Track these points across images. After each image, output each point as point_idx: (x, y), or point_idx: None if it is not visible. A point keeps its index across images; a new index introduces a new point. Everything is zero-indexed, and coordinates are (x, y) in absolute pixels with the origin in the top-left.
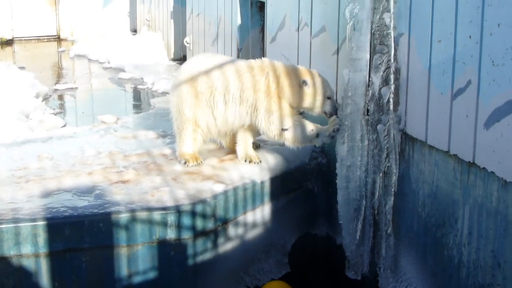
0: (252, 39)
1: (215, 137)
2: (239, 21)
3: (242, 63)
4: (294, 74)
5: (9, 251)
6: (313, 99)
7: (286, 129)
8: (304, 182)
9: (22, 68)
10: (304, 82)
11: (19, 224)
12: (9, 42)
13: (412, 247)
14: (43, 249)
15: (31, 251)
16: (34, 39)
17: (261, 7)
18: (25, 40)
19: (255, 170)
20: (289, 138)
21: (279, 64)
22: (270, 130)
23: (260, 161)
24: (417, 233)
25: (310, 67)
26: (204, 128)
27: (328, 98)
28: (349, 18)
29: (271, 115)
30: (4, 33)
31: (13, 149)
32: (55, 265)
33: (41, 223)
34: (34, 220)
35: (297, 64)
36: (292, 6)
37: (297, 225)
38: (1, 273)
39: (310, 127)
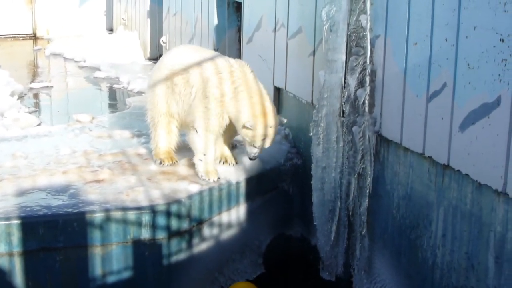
0: (229, 40)
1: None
2: (215, 21)
3: (219, 62)
4: (252, 102)
5: None
6: (244, 137)
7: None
8: (279, 183)
9: None
10: (248, 123)
11: None
12: None
13: (386, 248)
14: (17, 248)
15: (4, 250)
16: (10, 37)
17: (238, 7)
18: (0, 38)
19: (230, 170)
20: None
21: (251, 78)
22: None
23: (236, 163)
24: (391, 234)
25: (286, 68)
26: (178, 119)
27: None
28: (326, 19)
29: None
30: None
31: None
32: (29, 264)
33: (15, 222)
34: (8, 219)
35: (274, 65)
36: (269, 7)
37: (272, 226)
38: None
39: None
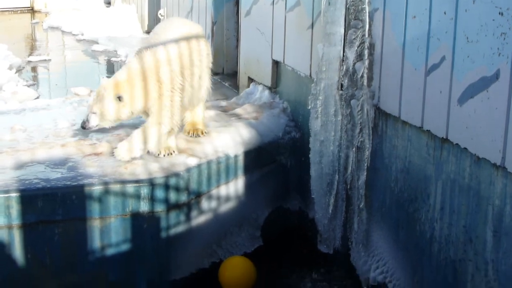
0: (227, 13)
1: None
2: None
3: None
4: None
5: None
6: None
7: None
8: (277, 156)
9: None
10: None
11: None
12: None
13: (384, 222)
14: (15, 221)
15: (3, 223)
16: (8, 11)
17: None
18: None
19: (229, 144)
20: None
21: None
22: None
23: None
24: (389, 208)
25: (284, 42)
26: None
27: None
28: None
29: None
30: None
31: None
32: (28, 237)
33: (14, 194)
34: (6, 191)
35: (272, 39)
36: None
37: (270, 199)
38: None
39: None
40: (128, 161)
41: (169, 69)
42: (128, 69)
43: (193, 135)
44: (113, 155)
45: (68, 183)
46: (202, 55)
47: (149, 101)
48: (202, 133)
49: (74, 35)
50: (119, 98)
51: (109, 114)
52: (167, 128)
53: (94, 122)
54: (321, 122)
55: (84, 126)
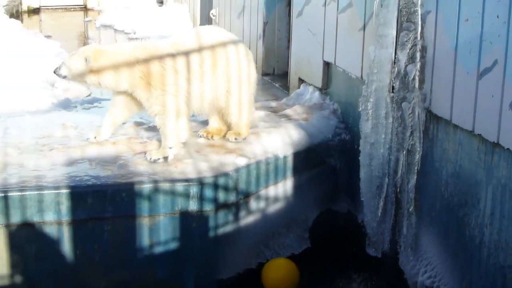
0: (279, 13)
1: None
2: None
3: None
4: None
5: (32, 218)
6: None
7: None
8: (327, 158)
9: (48, 37)
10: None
11: (42, 192)
12: (36, 11)
13: (433, 226)
14: (65, 217)
15: (53, 219)
16: (61, 8)
17: None
18: (51, 9)
19: (278, 144)
20: None
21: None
22: None
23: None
24: (439, 212)
25: (336, 43)
26: None
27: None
28: None
29: None
30: (31, 1)
31: (37, 117)
32: (77, 233)
33: (64, 191)
34: (57, 188)
35: (323, 40)
36: None
37: (319, 201)
38: (24, 239)
39: None
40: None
41: (159, 64)
42: (117, 45)
43: (207, 136)
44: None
45: (118, 180)
46: (232, 65)
47: (125, 84)
48: (212, 137)
49: (126, 33)
50: (86, 60)
51: (73, 69)
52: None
53: (62, 71)
54: (371, 124)
55: (54, 71)
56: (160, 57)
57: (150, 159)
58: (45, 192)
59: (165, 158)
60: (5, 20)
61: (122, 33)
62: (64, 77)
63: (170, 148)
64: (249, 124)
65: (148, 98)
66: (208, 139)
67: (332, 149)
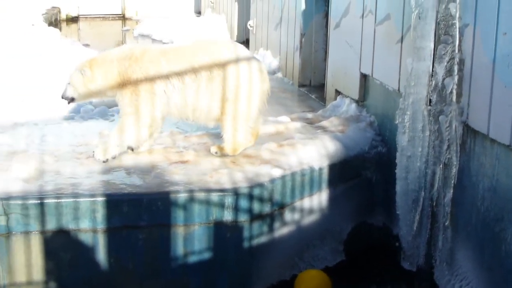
0: (316, 25)
1: None
2: (303, 6)
3: None
4: None
5: (68, 225)
6: None
7: None
8: (362, 171)
9: (86, 45)
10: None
11: (78, 199)
12: (74, 19)
13: (469, 240)
14: (100, 225)
15: (89, 226)
16: (99, 17)
17: None
18: (90, 17)
19: (314, 156)
20: None
21: None
22: None
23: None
24: (475, 226)
25: (373, 55)
26: None
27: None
28: (414, 6)
29: None
30: (70, 10)
31: (75, 125)
32: (112, 241)
33: (100, 199)
34: (93, 195)
35: (360, 52)
36: None
37: (354, 214)
38: (58, 246)
39: None
40: (105, 162)
41: (141, 67)
42: (107, 52)
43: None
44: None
45: (154, 189)
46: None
47: (112, 87)
48: (219, 152)
49: (164, 43)
50: (82, 73)
51: (77, 86)
52: (144, 121)
53: (68, 93)
54: (408, 137)
55: (62, 96)
56: (141, 62)
57: (99, 159)
58: (81, 199)
59: (113, 156)
60: (43, 28)
61: (159, 42)
62: (72, 99)
63: (117, 146)
64: (237, 143)
65: (122, 98)
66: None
67: (368, 161)
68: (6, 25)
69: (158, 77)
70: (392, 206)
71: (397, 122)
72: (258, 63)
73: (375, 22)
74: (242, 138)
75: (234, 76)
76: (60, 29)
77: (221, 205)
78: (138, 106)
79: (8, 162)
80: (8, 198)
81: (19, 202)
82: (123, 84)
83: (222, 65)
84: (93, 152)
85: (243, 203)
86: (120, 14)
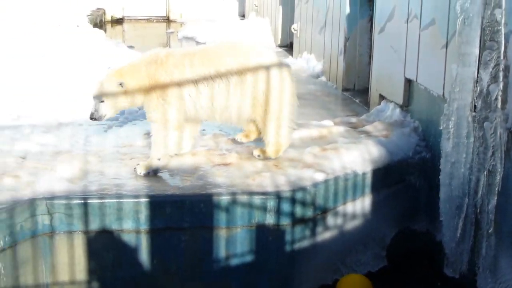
0: (360, 29)
1: None
2: (347, 10)
3: None
4: None
5: (111, 226)
6: None
7: None
8: (406, 176)
9: (131, 47)
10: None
11: (122, 200)
12: (119, 21)
13: None
14: (144, 226)
15: (132, 227)
16: (144, 19)
17: None
18: (134, 19)
19: (357, 160)
20: None
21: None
22: None
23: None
24: None
25: (418, 60)
26: None
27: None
28: (460, 12)
29: None
30: (115, 11)
31: (119, 126)
32: (155, 242)
33: (144, 200)
34: (136, 196)
35: (405, 57)
36: None
37: (397, 219)
38: (101, 246)
39: None
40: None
41: (167, 71)
42: (132, 61)
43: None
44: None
45: (197, 191)
46: (271, 87)
47: (143, 94)
48: (262, 155)
49: None
50: (121, 85)
51: (113, 100)
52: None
53: (103, 111)
54: (452, 143)
55: (94, 117)
56: (166, 66)
57: (140, 172)
58: (125, 200)
59: (155, 171)
60: (88, 29)
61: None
62: (104, 116)
63: (159, 159)
64: (279, 145)
65: (148, 103)
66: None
67: (412, 167)
68: (52, 26)
69: (182, 80)
70: (435, 212)
71: (441, 128)
72: (286, 64)
73: (420, 27)
74: (284, 140)
75: (269, 78)
76: (105, 31)
77: (263, 208)
78: (164, 110)
79: (53, 162)
80: (52, 197)
81: (63, 202)
82: (151, 89)
83: (254, 68)
84: (135, 168)
85: (285, 206)
86: (165, 17)
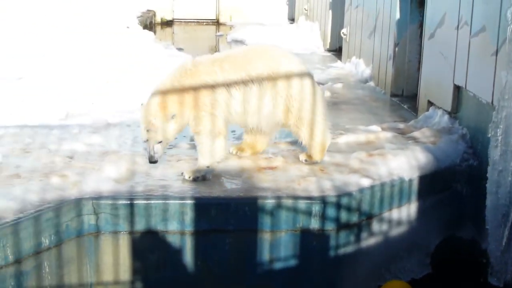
0: (410, 34)
1: None
2: (397, 16)
3: None
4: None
5: (156, 227)
6: None
7: None
8: (453, 183)
9: (180, 49)
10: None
11: (167, 201)
12: (169, 23)
13: None
14: (188, 227)
15: (177, 228)
16: (194, 22)
17: (421, 2)
18: (184, 22)
19: (404, 167)
20: None
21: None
22: None
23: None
24: None
25: (467, 67)
26: None
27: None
28: (510, 19)
29: None
30: (165, 14)
31: None
32: (199, 244)
33: (189, 202)
34: (182, 198)
35: (454, 63)
36: (452, 4)
37: (443, 227)
38: (146, 247)
39: None
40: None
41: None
42: (162, 84)
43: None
44: None
45: (242, 194)
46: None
47: (189, 111)
48: (309, 160)
49: None
50: (173, 117)
51: (172, 136)
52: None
53: (161, 151)
54: (500, 151)
55: (154, 160)
56: (199, 76)
57: (189, 177)
58: (170, 201)
59: (204, 177)
60: (138, 31)
61: None
62: (162, 152)
63: (208, 167)
64: (324, 146)
65: (192, 117)
66: (237, 154)
67: (459, 174)
68: (102, 27)
69: (216, 87)
70: (481, 220)
71: (489, 135)
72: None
73: (470, 33)
74: (326, 139)
75: (302, 83)
76: (155, 32)
77: (308, 213)
78: (208, 120)
79: (100, 162)
80: (98, 198)
81: (109, 202)
82: (193, 102)
83: (285, 73)
84: (182, 173)
85: (331, 211)
86: (214, 19)
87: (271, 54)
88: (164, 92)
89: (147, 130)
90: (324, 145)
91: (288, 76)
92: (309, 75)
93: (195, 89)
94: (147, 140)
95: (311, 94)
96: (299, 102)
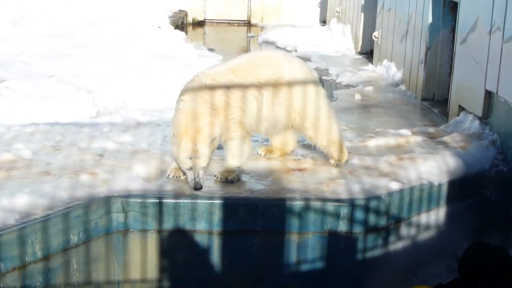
0: (442, 39)
1: None
2: (430, 20)
3: None
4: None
5: (184, 226)
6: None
7: None
8: (482, 189)
9: (211, 49)
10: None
11: (196, 201)
12: (200, 24)
13: None
14: (216, 227)
15: (205, 228)
16: (225, 23)
17: (454, 7)
18: (216, 22)
19: (433, 171)
20: None
21: None
22: None
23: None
24: None
25: (499, 72)
26: None
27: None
28: None
29: None
30: (196, 14)
31: None
32: (227, 244)
33: (217, 201)
34: (211, 198)
35: (486, 68)
36: (485, 9)
37: (471, 232)
38: (174, 245)
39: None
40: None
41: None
42: (183, 107)
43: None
44: None
45: (270, 195)
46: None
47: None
48: (338, 163)
49: (287, 51)
50: (214, 140)
51: (208, 157)
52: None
53: (202, 174)
54: None
55: (200, 187)
56: (221, 91)
57: (227, 179)
58: (199, 201)
59: (238, 178)
60: (170, 30)
61: (283, 50)
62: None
63: (238, 167)
64: (339, 144)
65: (225, 128)
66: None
67: (488, 180)
68: (134, 28)
69: (234, 95)
70: (510, 226)
71: None
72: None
73: (503, 39)
74: (335, 137)
75: (316, 89)
76: (186, 33)
77: (336, 215)
78: (236, 128)
79: (130, 161)
80: (127, 196)
81: (138, 200)
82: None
83: (289, 79)
84: (215, 175)
85: (359, 214)
86: (246, 21)
87: (276, 60)
88: (196, 115)
89: (190, 158)
90: (339, 143)
91: (291, 82)
92: (313, 80)
93: (226, 102)
94: (191, 168)
95: (315, 97)
96: (302, 107)
